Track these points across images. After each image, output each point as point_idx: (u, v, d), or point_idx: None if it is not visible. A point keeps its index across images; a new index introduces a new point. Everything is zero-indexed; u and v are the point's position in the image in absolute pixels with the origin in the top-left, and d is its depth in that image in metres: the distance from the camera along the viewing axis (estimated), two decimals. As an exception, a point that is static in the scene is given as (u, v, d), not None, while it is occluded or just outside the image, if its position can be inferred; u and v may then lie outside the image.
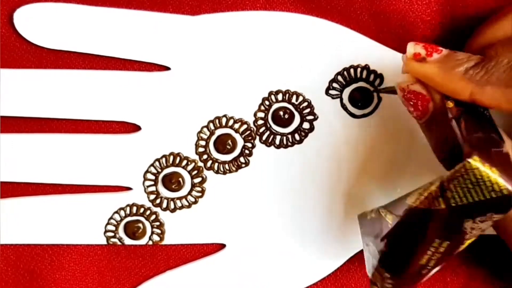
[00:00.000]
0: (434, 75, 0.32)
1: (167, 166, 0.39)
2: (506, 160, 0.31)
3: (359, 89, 0.39)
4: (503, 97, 0.30)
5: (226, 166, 0.40)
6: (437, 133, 0.34)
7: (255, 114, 0.39)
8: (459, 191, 0.30)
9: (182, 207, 0.40)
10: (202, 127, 0.39)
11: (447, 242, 0.32)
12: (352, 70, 0.39)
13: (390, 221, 0.33)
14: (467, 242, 0.32)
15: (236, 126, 0.39)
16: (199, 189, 0.40)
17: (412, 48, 0.33)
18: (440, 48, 0.33)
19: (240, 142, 0.39)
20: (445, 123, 0.33)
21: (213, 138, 0.39)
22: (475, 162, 0.30)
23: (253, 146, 0.40)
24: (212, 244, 0.41)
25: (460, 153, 0.32)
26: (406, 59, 0.34)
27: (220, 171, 0.40)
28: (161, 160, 0.39)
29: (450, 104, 0.32)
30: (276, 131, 0.39)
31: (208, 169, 0.40)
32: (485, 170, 0.30)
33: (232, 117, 0.39)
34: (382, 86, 0.39)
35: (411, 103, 0.34)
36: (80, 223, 0.40)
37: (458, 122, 0.32)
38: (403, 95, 0.34)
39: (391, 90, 0.37)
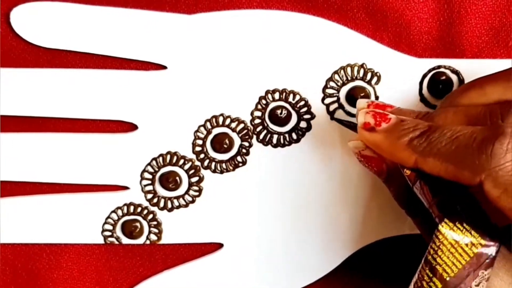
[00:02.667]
0: (382, 145, 0.33)
1: (164, 165, 0.39)
2: (474, 211, 0.31)
3: (356, 88, 0.39)
4: (442, 169, 0.31)
5: (223, 165, 0.40)
6: (395, 187, 0.36)
7: (252, 113, 0.39)
8: (446, 261, 0.31)
9: (179, 206, 0.40)
10: (199, 126, 0.39)
11: None
12: (349, 69, 0.39)
13: None
14: None
15: (233, 125, 0.39)
16: (196, 188, 0.40)
17: (363, 117, 0.34)
18: (389, 117, 0.33)
19: (237, 141, 0.39)
20: (401, 179, 0.34)
21: (210, 137, 0.39)
22: (447, 225, 0.31)
23: (250, 145, 0.39)
24: (210, 243, 0.41)
25: (417, 206, 0.34)
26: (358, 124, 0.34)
27: (217, 170, 0.40)
28: (158, 159, 0.39)
29: (407, 172, 0.33)
30: (273, 130, 0.39)
31: (205, 168, 0.40)
32: (458, 229, 0.31)
33: (229, 116, 0.39)
34: (340, 118, 0.39)
35: (366, 165, 0.36)
36: (77, 223, 0.40)
37: (420, 186, 0.33)
38: (357, 158, 0.36)
39: (349, 125, 0.38)
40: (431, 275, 0.32)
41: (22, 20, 0.38)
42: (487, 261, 0.31)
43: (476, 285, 0.32)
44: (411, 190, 0.34)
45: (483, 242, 0.31)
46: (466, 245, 0.31)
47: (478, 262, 0.31)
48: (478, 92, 0.33)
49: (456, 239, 0.31)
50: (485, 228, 0.31)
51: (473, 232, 0.31)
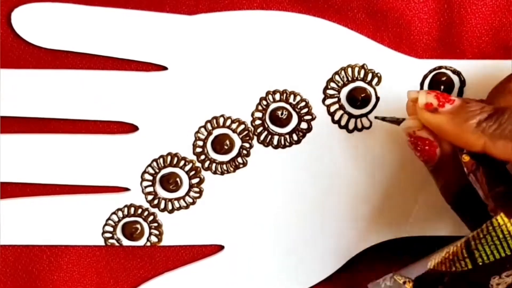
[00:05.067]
0: (447, 127, 0.32)
1: (164, 167, 0.39)
2: None
3: (357, 89, 0.39)
4: None
5: (224, 166, 0.40)
6: (445, 177, 0.35)
7: (252, 114, 0.39)
8: (486, 249, 0.31)
9: (180, 208, 0.40)
10: (200, 127, 0.39)
11: None
12: (349, 70, 0.39)
13: None
14: None
15: (234, 126, 0.39)
16: (197, 189, 0.40)
17: (424, 97, 0.33)
18: (453, 98, 0.32)
19: (237, 142, 0.39)
20: (453, 169, 0.33)
21: (211, 138, 0.39)
22: (502, 219, 0.30)
23: (251, 147, 0.39)
24: (211, 245, 0.40)
25: (469, 200, 0.33)
26: (416, 107, 0.33)
27: (218, 172, 0.40)
28: (158, 161, 0.39)
29: (466, 158, 0.32)
30: (274, 131, 0.39)
31: (206, 169, 0.39)
32: (511, 226, 0.30)
33: (229, 117, 0.39)
34: (382, 116, 0.38)
35: (418, 148, 0.34)
36: (78, 224, 0.40)
37: (475, 176, 0.32)
38: (409, 140, 0.34)
39: (392, 120, 0.37)
40: (466, 255, 0.31)
41: (23, 21, 0.38)
42: None
43: (506, 276, 0.31)
44: (461, 182, 0.33)
45: None
46: None
47: None
48: None
49: (505, 235, 0.30)
50: None
51: None
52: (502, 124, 0.31)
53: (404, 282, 0.34)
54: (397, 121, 0.36)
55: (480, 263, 0.31)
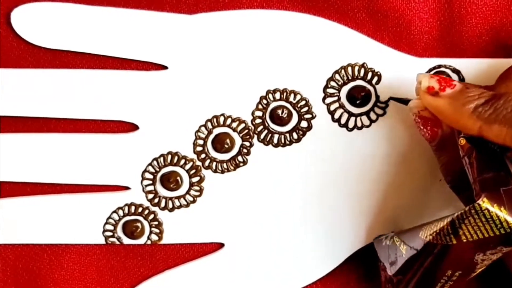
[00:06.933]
0: (445, 110, 0.33)
1: (165, 165, 0.39)
2: None
3: (357, 87, 0.39)
4: (508, 135, 0.31)
5: (224, 165, 0.40)
6: (446, 157, 0.36)
7: (253, 113, 0.39)
8: (469, 229, 0.32)
9: (180, 206, 0.40)
10: (200, 126, 0.39)
11: (459, 272, 0.33)
12: (349, 68, 0.39)
13: (404, 251, 0.35)
14: (478, 271, 0.34)
15: (234, 125, 0.39)
16: (197, 188, 0.40)
17: (427, 81, 0.34)
18: (454, 83, 0.34)
19: (238, 141, 0.39)
20: (454, 148, 0.34)
21: (211, 137, 0.39)
22: (484, 204, 0.31)
23: (251, 145, 0.39)
24: (211, 243, 0.41)
25: (467, 180, 0.33)
26: (419, 90, 0.35)
27: (218, 170, 0.40)
28: (159, 159, 0.39)
29: (462, 142, 0.33)
30: (274, 130, 0.39)
31: (206, 168, 0.40)
32: (494, 210, 0.31)
33: (230, 116, 0.39)
34: (396, 96, 0.39)
35: (421, 127, 0.36)
36: (78, 223, 0.40)
37: (469, 159, 0.33)
38: (414, 119, 0.36)
39: (402, 100, 0.38)
40: (450, 232, 0.33)
41: (22, 21, 0.38)
42: None
43: (490, 254, 0.32)
44: (460, 163, 0.34)
45: None
46: (496, 225, 0.31)
47: (503, 239, 0.32)
48: None
49: (487, 218, 0.31)
50: None
51: (508, 218, 0.31)
52: (498, 109, 0.32)
53: (400, 245, 0.35)
54: (405, 101, 0.37)
55: (464, 240, 0.32)
